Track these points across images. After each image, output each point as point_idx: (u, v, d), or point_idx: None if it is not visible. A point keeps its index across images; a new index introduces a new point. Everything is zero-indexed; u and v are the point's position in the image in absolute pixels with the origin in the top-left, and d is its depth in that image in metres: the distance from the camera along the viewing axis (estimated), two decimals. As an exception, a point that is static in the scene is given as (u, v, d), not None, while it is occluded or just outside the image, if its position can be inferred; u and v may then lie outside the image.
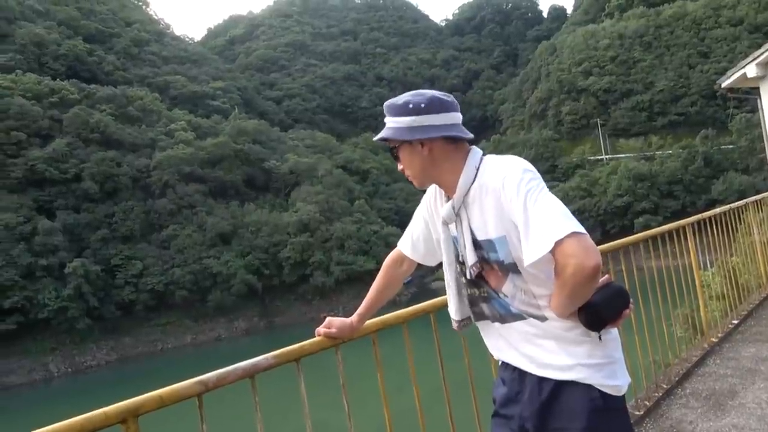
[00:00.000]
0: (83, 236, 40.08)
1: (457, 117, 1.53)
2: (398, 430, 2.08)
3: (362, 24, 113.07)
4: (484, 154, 1.53)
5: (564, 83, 70.73)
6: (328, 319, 1.84)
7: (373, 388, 2.12)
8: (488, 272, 1.51)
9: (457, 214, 1.51)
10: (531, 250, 1.33)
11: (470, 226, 1.49)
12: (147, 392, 1.49)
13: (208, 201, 46.60)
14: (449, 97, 1.54)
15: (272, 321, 43.14)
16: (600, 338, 1.43)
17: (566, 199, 52.75)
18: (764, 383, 3.56)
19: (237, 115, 62.37)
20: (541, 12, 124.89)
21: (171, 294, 40.33)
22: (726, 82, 10.60)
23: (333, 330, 1.81)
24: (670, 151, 55.31)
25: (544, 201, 1.34)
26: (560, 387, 1.45)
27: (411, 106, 1.50)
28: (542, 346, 1.48)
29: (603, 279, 1.40)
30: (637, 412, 3.30)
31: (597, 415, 1.41)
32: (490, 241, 1.46)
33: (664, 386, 3.66)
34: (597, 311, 1.36)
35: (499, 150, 67.29)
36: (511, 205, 1.38)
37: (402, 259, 1.83)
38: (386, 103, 1.56)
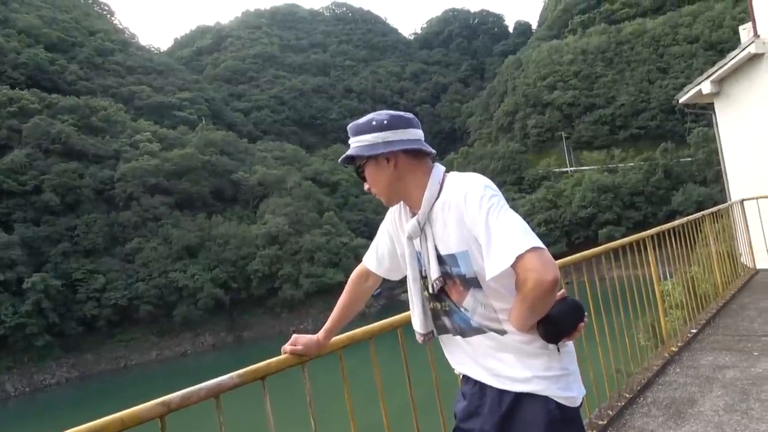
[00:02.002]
0: (43, 250, 38.84)
1: (418, 133, 1.56)
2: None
3: (331, 36, 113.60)
4: (447, 171, 1.57)
5: (530, 97, 72.27)
6: (294, 336, 1.83)
7: (340, 404, 2.12)
8: (450, 286, 1.54)
9: (422, 230, 1.54)
10: (493, 265, 1.36)
11: (434, 241, 1.52)
12: (108, 413, 1.46)
13: (174, 213, 45.77)
14: (410, 115, 1.59)
15: (240, 335, 42.45)
16: (558, 350, 1.47)
17: (532, 210, 53.80)
18: (721, 391, 3.67)
19: (204, 126, 61.66)
20: (507, 27, 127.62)
21: (135, 309, 39.34)
22: (683, 98, 10.98)
23: (299, 347, 1.80)
24: (632, 164, 56.92)
25: (505, 217, 1.37)
26: (519, 399, 1.48)
27: (374, 123, 1.54)
28: (502, 360, 1.51)
29: (559, 293, 1.44)
30: (601, 422, 3.37)
31: (554, 427, 1.45)
32: (452, 256, 1.49)
33: (627, 395, 3.74)
34: (555, 324, 1.40)
35: (467, 161, 68.22)
36: (473, 220, 1.41)
37: (367, 274, 1.84)
38: (349, 126, 1.60)
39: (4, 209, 39.13)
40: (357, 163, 1.59)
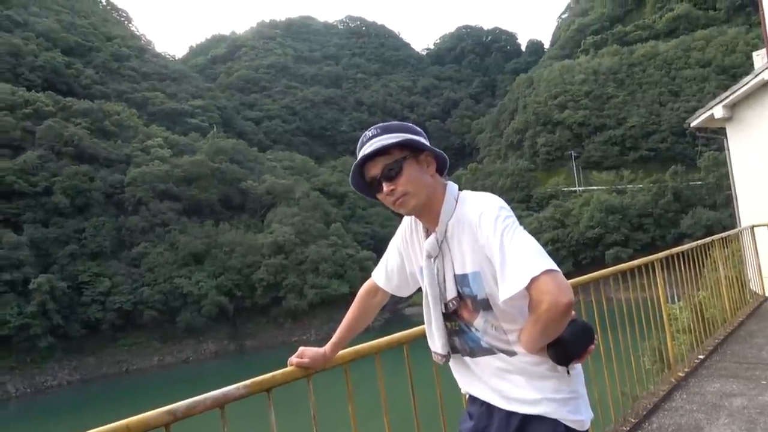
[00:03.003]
0: (51, 251, 39.06)
1: None
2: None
3: (344, 49, 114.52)
4: (459, 189, 1.57)
5: (540, 115, 72.33)
6: (301, 348, 1.82)
7: (344, 417, 2.11)
8: (461, 307, 1.53)
9: (440, 248, 1.53)
10: (507, 287, 1.36)
11: (451, 260, 1.51)
12: (111, 418, 1.46)
13: (182, 219, 45.97)
14: None
15: (243, 344, 42.36)
16: (568, 373, 1.46)
17: (540, 229, 53.55)
18: (728, 419, 3.63)
19: (215, 134, 62.14)
20: (519, 46, 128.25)
21: (139, 313, 39.40)
22: (695, 122, 10.96)
23: (306, 360, 1.79)
24: (641, 185, 56.64)
25: (520, 239, 1.37)
26: (527, 421, 1.47)
27: (416, 128, 1.55)
28: (511, 381, 1.50)
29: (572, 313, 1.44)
30: (605, 446, 3.33)
31: None
32: (464, 276, 1.49)
33: (632, 420, 3.70)
34: (566, 347, 1.40)
35: (476, 177, 68.21)
36: (488, 241, 1.41)
37: (376, 289, 1.84)
38: (384, 124, 1.54)
39: (14, 209, 39.44)
40: (395, 157, 1.49)
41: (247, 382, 1.69)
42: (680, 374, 4.52)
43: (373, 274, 1.85)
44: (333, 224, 51.79)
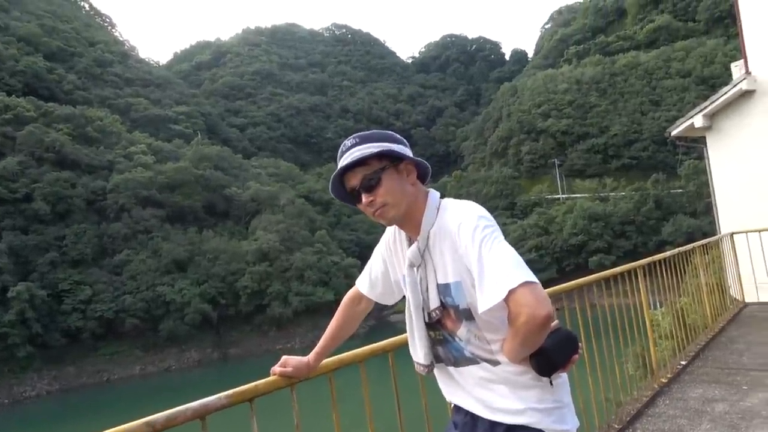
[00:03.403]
0: (30, 259, 38.38)
1: None
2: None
3: (330, 57, 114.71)
4: (441, 197, 1.56)
5: (524, 124, 73.01)
6: (284, 357, 1.80)
7: (328, 427, 2.09)
8: (444, 316, 1.52)
9: (422, 256, 1.52)
10: (485, 298, 1.35)
11: (434, 269, 1.50)
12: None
13: (165, 226, 45.49)
14: None
15: (226, 352, 41.92)
16: (551, 383, 1.45)
17: (524, 236, 53.92)
18: (710, 424, 3.66)
19: (200, 140, 61.70)
20: (503, 55, 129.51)
21: (121, 322, 38.82)
22: (675, 131, 11.13)
23: (289, 369, 1.77)
24: (624, 193, 57.36)
25: (498, 249, 1.36)
26: (512, 431, 1.46)
27: (396, 136, 1.54)
28: (494, 391, 1.49)
29: (552, 324, 1.43)
30: (590, 453, 3.34)
31: None
32: (446, 285, 1.48)
33: (616, 426, 3.72)
34: (548, 357, 1.39)
35: (460, 185, 68.57)
36: (466, 251, 1.39)
37: (360, 297, 1.82)
38: (364, 133, 1.53)
39: (-8, 216, 38.75)
40: (373, 167, 1.48)
41: (229, 392, 1.66)
42: (663, 380, 4.56)
43: (357, 281, 1.83)
44: (318, 231, 51.61)
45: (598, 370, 3.81)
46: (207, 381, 33.12)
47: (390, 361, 2.23)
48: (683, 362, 5.02)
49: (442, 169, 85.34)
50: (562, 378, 1.51)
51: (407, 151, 1.53)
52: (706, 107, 9.99)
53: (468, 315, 1.47)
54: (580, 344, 1.46)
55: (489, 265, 1.34)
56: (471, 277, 1.41)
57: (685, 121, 10.68)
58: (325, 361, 1.89)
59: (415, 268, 1.55)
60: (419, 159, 1.53)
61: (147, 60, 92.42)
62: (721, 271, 7.39)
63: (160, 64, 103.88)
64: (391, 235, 1.67)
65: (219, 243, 46.15)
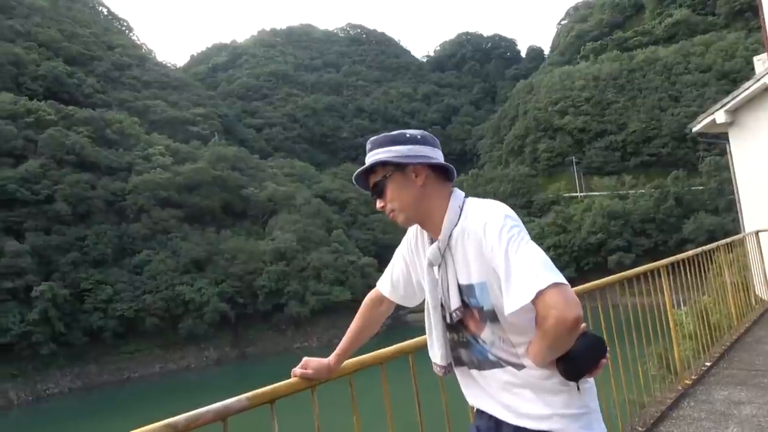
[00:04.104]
0: (52, 259, 39.01)
1: (442, 156, 1.54)
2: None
3: (345, 57, 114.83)
4: (466, 196, 1.53)
5: (540, 121, 72.41)
6: (305, 359, 1.79)
7: (350, 428, 2.07)
8: (468, 318, 1.49)
9: (443, 256, 1.50)
10: (512, 300, 1.32)
11: (455, 270, 1.48)
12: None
13: (184, 226, 45.95)
14: (435, 138, 1.57)
15: (244, 351, 42.24)
16: (578, 388, 1.42)
17: (542, 235, 53.50)
18: (737, 428, 3.57)
19: (217, 141, 62.22)
20: (519, 52, 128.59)
21: (141, 321, 39.30)
22: (696, 127, 10.94)
23: (309, 371, 1.76)
24: (643, 191, 56.61)
25: (526, 250, 1.33)
26: None
27: (408, 135, 1.51)
28: (519, 395, 1.46)
29: (580, 328, 1.39)
30: (613, 456, 3.28)
31: None
32: (470, 286, 1.45)
33: (640, 429, 3.65)
34: (576, 361, 1.35)
35: (477, 183, 68.26)
36: (492, 252, 1.37)
37: (381, 299, 1.80)
38: (375, 138, 1.54)
39: (16, 218, 39.42)
40: (379, 175, 1.51)
41: (250, 394, 1.66)
42: (687, 381, 4.47)
43: (378, 283, 1.81)
44: (334, 231, 51.75)
45: (621, 371, 3.75)
46: (226, 379, 33.42)
47: (410, 362, 2.21)
48: (708, 363, 4.92)
49: (458, 167, 79.27)
50: (590, 383, 1.47)
51: (420, 151, 1.49)
52: (727, 102, 9.81)
53: (492, 316, 1.44)
54: (607, 348, 1.42)
55: (516, 266, 1.31)
56: (497, 278, 1.37)
57: (706, 117, 10.50)
58: (346, 362, 1.88)
59: (434, 268, 1.53)
60: (433, 160, 1.50)
61: (164, 63, 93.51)
62: (746, 270, 7.24)
63: (177, 67, 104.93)
64: (413, 235, 1.65)
65: (236, 243, 46.51)
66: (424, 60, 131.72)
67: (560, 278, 1.27)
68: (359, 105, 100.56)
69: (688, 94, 65.44)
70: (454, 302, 1.48)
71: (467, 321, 1.49)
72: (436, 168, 1.52)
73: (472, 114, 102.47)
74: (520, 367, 1.45)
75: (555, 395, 1.42)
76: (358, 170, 1.53)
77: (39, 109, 46.51)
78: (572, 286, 3.55)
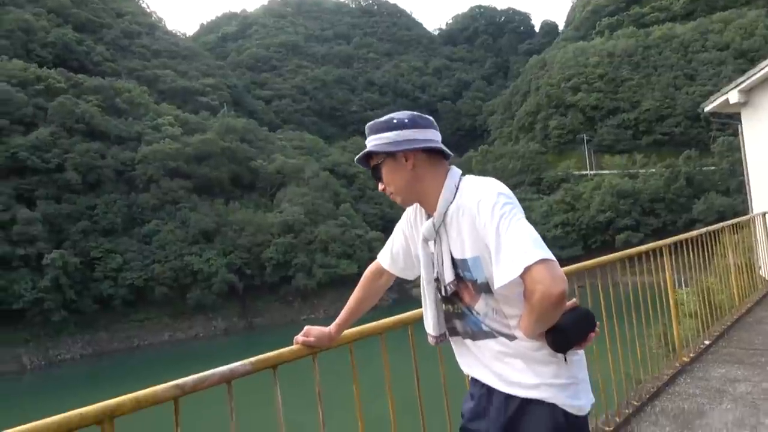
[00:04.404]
0: (63, 227, 39.48)
1: (436, 135, 1.58)
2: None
3: (356, 28, 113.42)
4: (463, 175, 1.57)
5: (552, 98, 71.53)
6: (306, 327, 1.86)
7: (348, 395, 2.16)
8: (463, 290, 1.55)
9: (437, 232, 1.55)
10: (501, 274, 1.37)
11: (449, 245, 1.53)
12: (123, 391, 1.51)
13: (193, 197, 46.20)
14: (430, 117, 1.60)
15: (252, 321, 42.84)
16: (565, 360, 1.47)
17: (549, 212, 53.37)
18: (731, 404, 3.65)
19: (226, 112, 62.11)
20: (533, 26, 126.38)
21: (150, 290, 39.87)
22: (709, 107, 10.82)
23: (311, 339, 1.83)
24: (654, 170, 56.12)
25: (516, 226, 1.37)
26: (525, 405, 1.49)
27: (395, 121, 1.55)
28: (510, 365, 1.52)
29: (570, 302, 1.45)
30: (607, 428, 3.37)
31: None
32: (464, 261, 1.50)
33: (635, 403, 3.73)
34: (564, 334, 1.40)
35: (486, 159, 67.87)
36: (485, 228, 1.42)
37: (381, 271, 1.86)
38: (368, 125, 1.60)
39: (27, 186, 39.80)
40: (374, 161, 1.59)
41: (254, 359, 1.74)
42: (686, 359, 4.54)
43: (378, 256, 1.87)
44: (342, 204, 51.85)
45: (618, 348, 3.82)
46: (233, 349, 33.95)
47: (410, 333, 2.28)
48: (707, 342, 4.98)
49: (467, 143, 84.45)
50: (579, 355, 1.53)
51: (407, 136, 1.53)
52: (742, 82, 9.67)
53: (486, 288, 1.49)
54: (597, 323, 1.47)
55: (507, 241, 1.36)
56: (489, 253, 1.43)
57: (719, 97, 10.36)
58: (346, 332, 1.95)
59: (429, 243, 1.59)
60: (421, 144, 1.54)
61: (174, 32, 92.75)
62: (751, 252, 7.25)
63: (187, 36, 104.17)
64: (413, 211, 1.71)
65: (245, 214, 46.77)
66: (436, 33, 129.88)
67: (548, 255, 1.32)
68: (369, 78, 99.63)
69: (704, 73, 64.29)
70: (449, 276, 1.54)
71: (462, 293, 1.55)
72: (428, 149, 1.56)
73: (483, 89, 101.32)
74: (511, 338, 1.51)
75: (544, 365, 1.48)
76: (357, 156, 1.62)
77: (49, 77, 46.51)
78: (576, 263, 3.59)
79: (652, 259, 4.63)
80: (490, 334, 1.54)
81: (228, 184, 50.25)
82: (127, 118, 49.18)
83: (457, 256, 1.52)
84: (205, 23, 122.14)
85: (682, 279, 5.78)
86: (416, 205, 1.67)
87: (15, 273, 35.16)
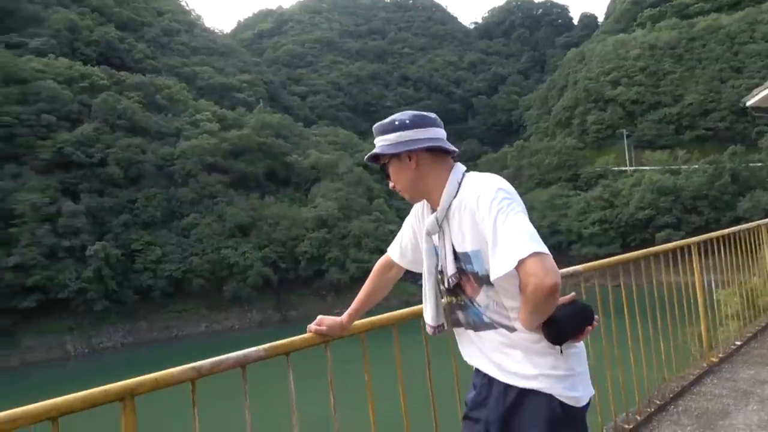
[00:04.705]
0: (105, 220, 40.84)
1: (441, 132, 1.63)
2: (383, 426, 2.18)
3: (391, 23, 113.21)
4: (467, 171, 1.62)
5: (591, 92, 69.97)
6: (319, 317, 1.95)
7: (359, 384, 2.23)
8: (465, 282, 1.61)
9: (440, 227, 1.61)
10: (496, 267, 1.42)
11: (451, 239, 1.59)
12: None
13: (229, 192, 47.13)
14: (433, 115, 1.66)
15: (286, 314, 43.49)
16: (561, 352, 1.51)
17: (587, 209, 52.36)
18: (758, 405, 3.58)
19: (262, 108, 62.92)
20: (571, 19, 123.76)
21: (188, 282, 40.90)
22: (751, 101, 10.47)
23: (323, 328, 1.92)
24: (696, 166, 54.33)
25: (513, 221, 1.42)
26: (523, 394, 1.54)
27: (397, 123, 1.62)
28: (510, 355, 1.57)
29: (568, 297, 1.48)
30: (627, 426, 3.35)
31: (555, 424, 1.50)
32: (466, 254, 1.56)
33: (658, 402, 3.70)
34: (558, 326, 1.44)
35: (522, 155, 66.93)
36: (483, 222, 1.47)
37: (391, 264, 1.93)
38: (374, 126, 1.68)
39: (72, 179, 41.30)
40: (381, 161, 1.67)
41: (267, 345, 1.83)
42: (714, 359, 4.46)
43: (388, 249, 1.94)
44: (376, 200, 52.02)
45: (641, 347, 3.78)
46: (267, 340, 34.42)
47: (422, 324, 2.33)
48: (738, 342, 4.87)
49: (503, 138, 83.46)
50: (577, 348, 1.56)
51: (408, 137, 1.59)
52: (786, 75, 9.32)
53: (487, 281, 1.55)
54: (597, 317, 1.50)
55: (503, 235, 1.41)
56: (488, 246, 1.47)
57: (762, 90, 10.02)
58: (359, 322, 2.03)
59: (432, 237, 1.65)
60: (422, 144, 1.59)
61: (212, 29, 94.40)
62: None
63: (224, 33, 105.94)
64: (420, 207, 1.77)
65: (280, 209, 47.44)
66: (472, 27, 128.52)
67: (542, 248, 1.36)
68: (404, 73, 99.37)
69: (751, 65, 61.79)
70: (451, 268, 1.59)
71: (464, 285, 1.61)
72: (431, 147, 1.61)
73: (519, 83, 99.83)
74: (511, 329, 1.55)
75: (542, 357, 1.52)
76: (366, 156, 1.72)
77: (93, 74, 48.06)
78: (592, 263, 3.58)
79: (679, 257, 4.56)
80: (491, 326, 1.59)
81: (263, 179, 51.04)
82: (167, 114, 50.44)
83: (459, 249, 1.57)
84: (241, 20, 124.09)
85: (722, 279, 5.64)
86: (424, 201, 1.73)
87: (60, 264, 36.57)
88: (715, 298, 5.71)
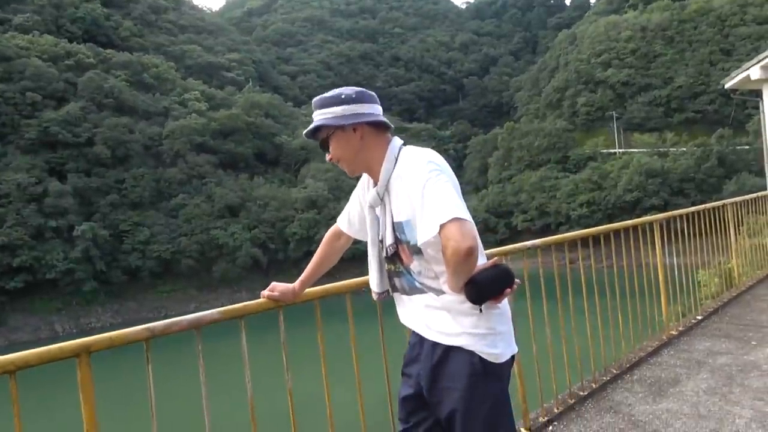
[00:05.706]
0: (93, 200, 40.62)
1: (379, 109, 1.74)
2: (337, 387, 2.31)
3: (382, 2, 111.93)
4: (404, 145, 1.73)
5: (582, 74, 69.90)
6: (272, 283, 2.07)
7: (314, 354, 2.36)
8: (401, 251, 1.72)
9: (381, 199, 1.72)
10: (421, 232, 1.54)
11: (391, 210, 1.70)
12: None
13: (218, 172, 46.96)
14: (372, 93, 1.76)
15: (275, 295, 43.66)
16: (480, 311, 1.63)
17: (575, 191, 52.70)
18: (707, 374, 3.76)
19: (251, 88, 62.41)
20: (564, 0, 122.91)
21: (177, 262, 40.92)
22: (730, 83, 10.62)
23: (276, 293, 2.04)
24: (684, 149, 54.72)
25: (438, 189, 1.53)
26: (448, 351, 1.67)
27: (343, 96, 1.71)
28: (437, 316, 1.69)
29: (492, 260, 1.60)
30: (582, 393, 3.52)
31: (476, 378, 1.63)
32: (400, 224, 1.67)
33: (614, 371, 3.87)
34: (477, 287, 1.55)
35: (512, 137, 66.83)
36: (413, 192, 1.58)
37: (339, 233, 2.06)
38: (314, 100, 1.76)
39: (59, 159, 40.95)
40: (323, 134, 1.74)
41: (222, 309, 1.95)
42: (673, 332, 4.64)
43: (337, 220, 2.06)
44: (365, 181, 52.01)
45: (598, 321, 3.93)
46: (256, 321, 34.75)
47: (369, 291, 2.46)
48: (699, 317, 5.06)
49: (494, 119, 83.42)
50: (500, 309, 1.68)
51: (355, 110, 1.68)
52: (764, 58, 9.46)
53: (418, 250, 1.66)
54: (517, 281, 1.61)
55: (427, 202, 1.52)
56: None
57: (740, 73, 10.16)
58: (311, 289, 2.15)
59: (374, 209, 1.76)
60: (367, 118, 1.69)
61: (200, 7, 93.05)
62: (763, 230, 7.21)
63: (213, 11, 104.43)
64: (366, 179, 1.87)
65: (269, 190, 47.38)
66: (463, 7, 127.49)
67: (462, 214, 1.47)
68: (395, 53, 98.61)
69: (741, 48, 61.86)
70: (389, 238, 1.71)
71: (401, 254, 1.73)
72: (373, 122, 1.71)
73: (510, 65, 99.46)
74: (439, 292, 1.68)
75: (466, 317, 1.65)
76: (305, 131, 1.76)
77: (78, 52, 47.35)
78: (559, 235, 3.73)
79: (648, 235, 4.71)
80: (422, 290, 1.71)
81: (253, 159, 50.86)
82: (155, 94, 49.92)
83: (396, 219, 1.68)
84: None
85: (693, 261, 5.78)
86: (367, 175, 1.84)
87: (47, 244, 36.45)
88: (696, 279, 5.91)
